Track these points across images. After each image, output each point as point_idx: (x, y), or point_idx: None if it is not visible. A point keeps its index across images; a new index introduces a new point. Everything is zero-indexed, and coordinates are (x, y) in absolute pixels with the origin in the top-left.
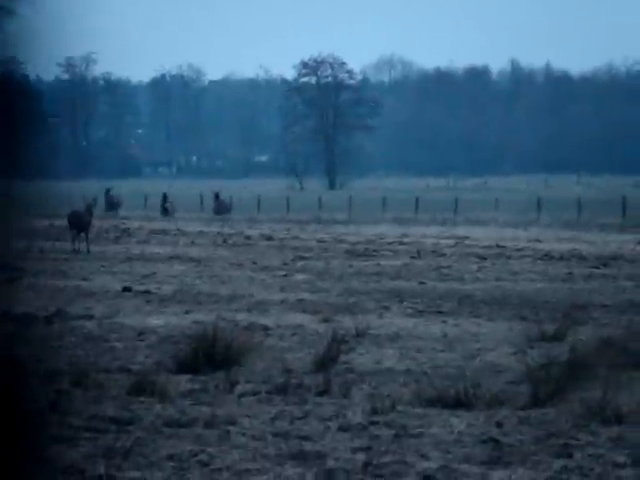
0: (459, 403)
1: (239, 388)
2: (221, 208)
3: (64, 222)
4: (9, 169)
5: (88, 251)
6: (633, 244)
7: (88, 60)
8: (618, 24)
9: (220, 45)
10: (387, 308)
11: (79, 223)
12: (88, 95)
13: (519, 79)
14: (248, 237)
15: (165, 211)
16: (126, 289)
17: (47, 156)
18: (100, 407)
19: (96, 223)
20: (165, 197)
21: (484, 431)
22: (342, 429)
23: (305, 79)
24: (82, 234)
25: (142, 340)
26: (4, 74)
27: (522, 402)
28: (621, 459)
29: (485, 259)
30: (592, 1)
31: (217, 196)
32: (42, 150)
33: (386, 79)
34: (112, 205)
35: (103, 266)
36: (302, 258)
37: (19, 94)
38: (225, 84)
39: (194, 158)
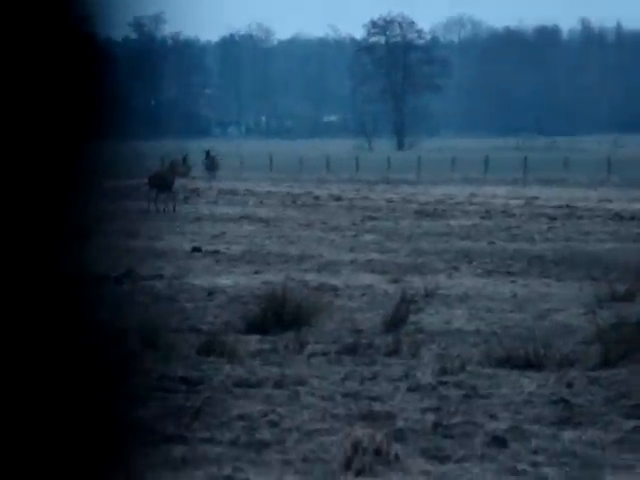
0: (529, 364)
1: (308, 348)
2: (213, 165)
3: (141, 182)
4: (88, 130)
5: (174, 210)
6: None
7: (157, 20)
8: None
9: (289, 4)
10: (456, 268)
11: (162, 183)
12: (157, 54)
13: (590, 39)
14: (317, 197)
15: (209, 167)
16: (196, 249)
17: (121, 117)
18: (170, 367)
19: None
20: (208, 154)
21: (554, 392)
22: (411, 389)
23: (374, 39)
24: (166, 194)
25: (211, 300)
26: (81, 33)
27: (592, 363)
28: None
29: (555, 219)
30: None
31: (208, 153)
32: (116, 111)
33: (455, 39)
34: (213, 166)
35: (173, 226)
36: (371, 218)
37: (96, 54)
38: (294, 44)
39: (263, 118)
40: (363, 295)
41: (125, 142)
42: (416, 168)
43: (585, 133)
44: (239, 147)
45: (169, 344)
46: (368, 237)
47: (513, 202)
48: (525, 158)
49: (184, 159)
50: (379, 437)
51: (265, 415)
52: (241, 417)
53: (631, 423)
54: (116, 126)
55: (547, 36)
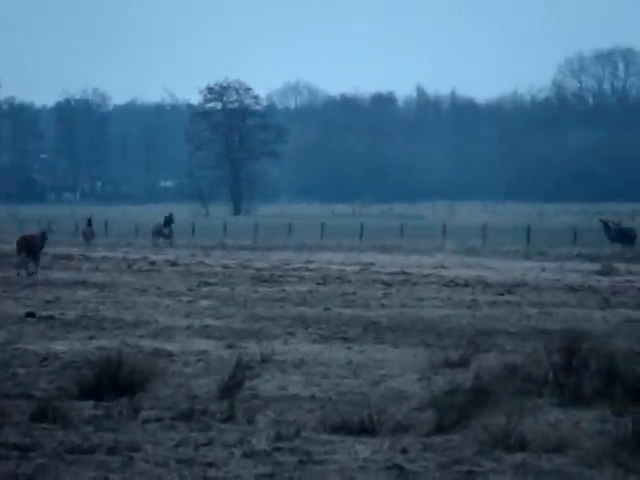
0: (364, 429)
1: (143, 414)
2: (91, 234)
3: None
4: None
5: (36, 273)
6: (537, 271)
7: None
8: (523, 53)
9: (125, 70)
10: (292, 334)
11: (30, 248)
12: None
13: (425, 106)
14: (153, 263)
15: (88, 236)
16: (29, 314)
17: None
18: (2, 433)
19: None
20: (89, 222)
21: (388, 457)
22: (246, 455)
23: (211, 104)
24: (32, 258)
25: (45, 366)
26: None
27: (427, 429)
28: None
29: (390, 285)
30: (498, 30)
31: (89, 222)
32: None
33: (292, 105)
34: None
35: (6, 291)
36: (207, 284)
37: None
38: (130, 109)
39: (99, 183)
40: (199, 361)
41: None
42: (253, 234)
43: (421, 199)
44: (74, 212)
45: (1, 410)
46: (204, 303)
47: (349, 268)
48: (361, 225)
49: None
50: None
51: None
52: None
53: None
54: None
55: (383, 103)
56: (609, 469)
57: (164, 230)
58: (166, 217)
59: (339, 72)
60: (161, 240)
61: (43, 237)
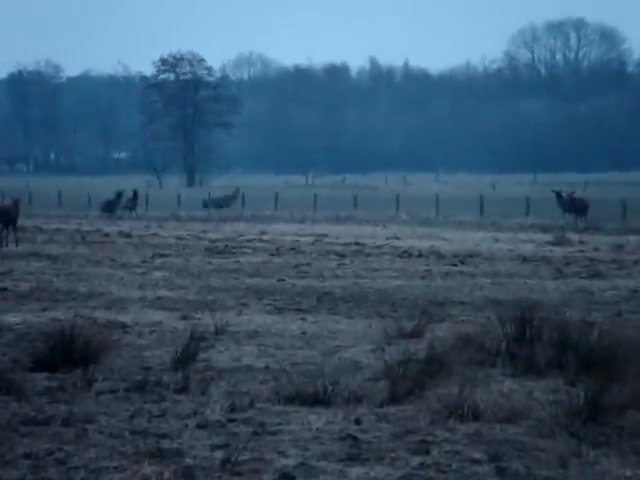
0: (318, 400)
1: (97, 386)
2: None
3: None
4: None
5: (17, 245)
6: (490, 242)
7: None
8: (475, 24)
9: (78, 41)
10: (246, 305)
11: (5, 218)
12: None
13: (378, 77)
14: (106, 234)
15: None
16: None
17: None
18: None
19: None
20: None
21: (342, 428)
22: (200, 426)
23: (164, 76)
24: (11, 229)
25: None
26: None
27: (380, 399)
28: (477, 455)
29: (344, 256)
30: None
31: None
32: None
33: (245, 76)
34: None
35: None
36: (161, 255)
37: None
38: (83, 80)
39: (52, 155)
40: (152, 332)
41: None
42: None
43: (375, 170)
44: (27, 183)
45: None
46: (158, 274)
47: (303, 239)
48: (315, 195)
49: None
50: (167, 474)
51: (52, 453)
52: (27, 455)
53: (417, 459)
54: None
55: (336, 74)
56: (562, 438)
57: (128, 203)
58: (117, 192)
59: (292, 43)
60: (116, 213)
61: (16, 206)
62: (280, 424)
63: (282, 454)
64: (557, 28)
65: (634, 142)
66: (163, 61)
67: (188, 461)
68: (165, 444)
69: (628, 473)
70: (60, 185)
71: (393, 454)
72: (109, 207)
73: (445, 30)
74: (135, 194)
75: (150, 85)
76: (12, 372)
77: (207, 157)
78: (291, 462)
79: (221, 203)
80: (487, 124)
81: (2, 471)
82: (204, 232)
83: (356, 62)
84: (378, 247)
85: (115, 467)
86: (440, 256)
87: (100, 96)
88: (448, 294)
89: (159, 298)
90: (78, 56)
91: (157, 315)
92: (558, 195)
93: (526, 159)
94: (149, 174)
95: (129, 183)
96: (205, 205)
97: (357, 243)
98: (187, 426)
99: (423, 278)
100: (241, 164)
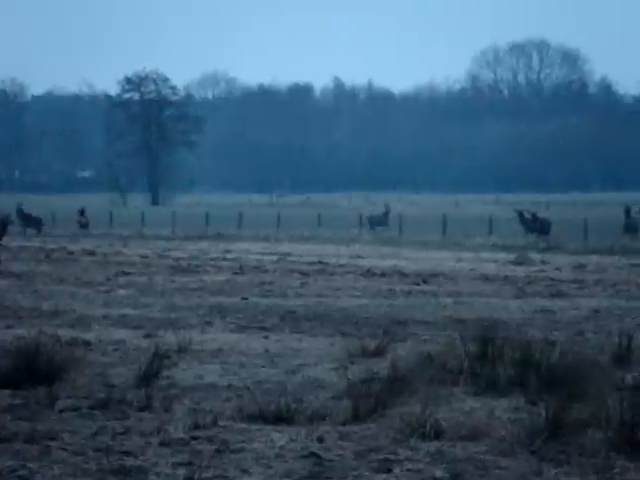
0: (281, 418)
1: (60, 403)
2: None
3: None
4: None
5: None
6: (453, 261)
7: None
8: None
9: (43, 59)
10: (210, 323)
11: None
12: None
13: (341, 96)
14: (71, 252)
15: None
16: None
17: None
18: None
19: None
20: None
21: (305, 446)
22: (163, 444)
23: (128, 95)
24: None
25: None
26: None
27: (343, 417)
28: (439, 473)
29: (307, 275)
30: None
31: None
32: None
33: (210, 95)
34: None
35: None
36: (125, 273)
37: None
38: (48, 99)
39: (16, 172)
40: (116, 350)
41: None
42: (170, 223)
43: (338, 189)
44: None
45: None
46: (122, 292)
47: (266, 258)
48: (278, 215)
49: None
50: None
51: (15, 470)
52: None
53: (380, 477)
54: None
55: (300, 94)
56: (523, 457)
57: (81, 219)
58: (80, 210)
59: (257, 62)
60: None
61: (4, 224)
62: (243, 442)
63: (245, 472)
64: (519, 49)
65: (595, 163)
66: (127, 80)
67: (151, 478)
68: (128, 461)
69: None
70: (25, 202)
71: (356, 472)
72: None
73: (409, 50)
74: (82, 212)
75: (115, 104)
76: None
77: (171, 176)
78: None
79: (380, 221)
80: (450, 144)
81: None
82: (168, 250)
83: (320, 82)
84: (341, 266)
85: None
86: (403, 275)
87: (65, 115)
88: (411, 313)
89: (123, 316)
90: (43, 74)
91: (121, 333)
92: (520, 215)
93: (489, 179)
94: (114, 192)
95: (93, 201)
96: (372, 225)
97: (320, 262)
98: (150, 443)
99: (386, 297)
100: (206, 183)
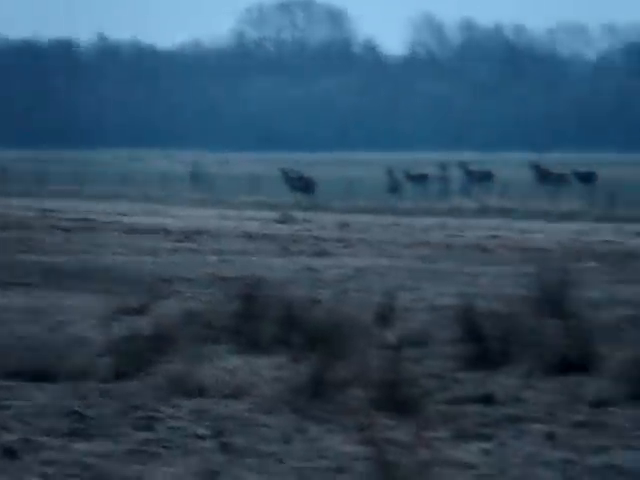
0: (42, 375)
1: None
2: None
3: None
4: None
5: None
6: (217, 219)
7: None
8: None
9: None
10: None
11: None
12: None
13: (106, 52)
14: None
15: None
16: None
17: None
18: None
19: None
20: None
21: (66, 404)
22: None
23: None
24: None
25: None
26: None
27: (105, 375)
28: (202, 431)
29: (71, 232)
30: None
31: None
32: None
33: None
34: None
35: None
36: None
37: None
38: None
39: None
40: None
41: None
42: None
43: (106, 147)
44: None
45: None
46: None
47: (29, 214)
48: (42, 171)
49: None
50: None
51: None
52: None
53: (141, 435)
54: None
55: (64, 49)
56: (286, 415)
57: None
58: None
59: (19, 17)
60: None
61: None
62: (4, 399)
63: (5, 429)
64: (285, 8)
65: (361, 122)
66: None
67: None
68: None
69: (349, 449)
70: None
71: (117, 430)
72: None
73: (174, 9)
74: None
75: None
76: None
77: None
78: (13, 437)
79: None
80: (217, 101)
81: None
82: None
83: (84, 37)
84: (106, 223)
85: None
86: (167, 233)
87: None
88: (175, 271)
89: None
90: None
91: None
92: (285, 174)
93: (256, 137)
94: None
95: None
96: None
97: (85, 219)
98: None
99: (150, 255)
100: None
